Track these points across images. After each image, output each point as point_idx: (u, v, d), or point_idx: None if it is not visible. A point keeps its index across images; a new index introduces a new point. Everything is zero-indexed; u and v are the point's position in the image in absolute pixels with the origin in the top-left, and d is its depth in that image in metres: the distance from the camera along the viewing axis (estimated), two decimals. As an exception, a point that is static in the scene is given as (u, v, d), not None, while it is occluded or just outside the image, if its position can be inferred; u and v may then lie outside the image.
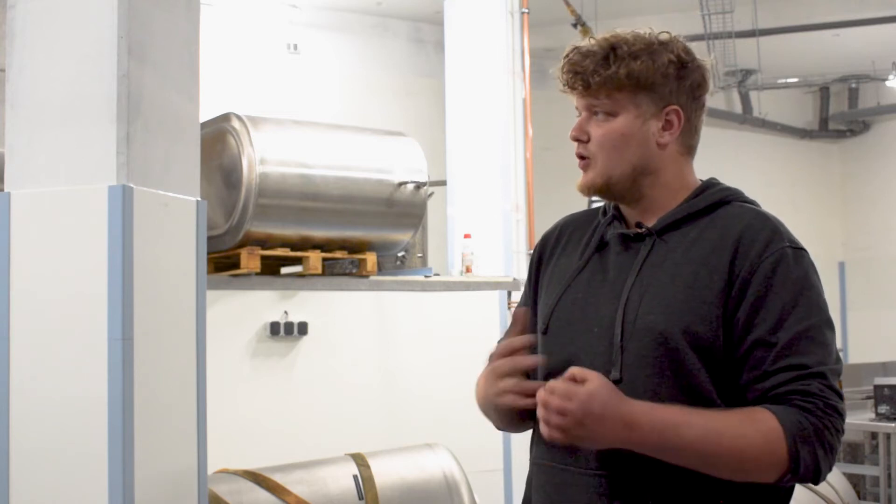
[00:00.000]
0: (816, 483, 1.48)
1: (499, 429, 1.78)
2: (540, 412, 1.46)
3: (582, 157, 1.64)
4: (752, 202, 1.66)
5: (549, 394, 1.44)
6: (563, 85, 1.64)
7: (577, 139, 1.64)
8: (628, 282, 1.57)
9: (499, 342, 1.79)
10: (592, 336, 1.58)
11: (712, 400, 1.50)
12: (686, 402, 1.49)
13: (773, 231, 1.55)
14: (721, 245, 1.54)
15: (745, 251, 1.52)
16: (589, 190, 1.64)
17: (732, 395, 1.51)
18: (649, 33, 1.62)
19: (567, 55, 1.63)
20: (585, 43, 1.62)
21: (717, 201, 1.62)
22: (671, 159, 1.64)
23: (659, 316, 1.52)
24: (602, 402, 1.43)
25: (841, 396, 1.48)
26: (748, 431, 1.44)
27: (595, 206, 1.81)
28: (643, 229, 1.62)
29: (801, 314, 1.49)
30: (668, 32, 1.64)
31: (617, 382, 1.51)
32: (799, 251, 1.54)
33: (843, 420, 1.47)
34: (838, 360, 1.51)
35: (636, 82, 1.58)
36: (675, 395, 1.50)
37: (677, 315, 1.51)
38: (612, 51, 1.58)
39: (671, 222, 1.61)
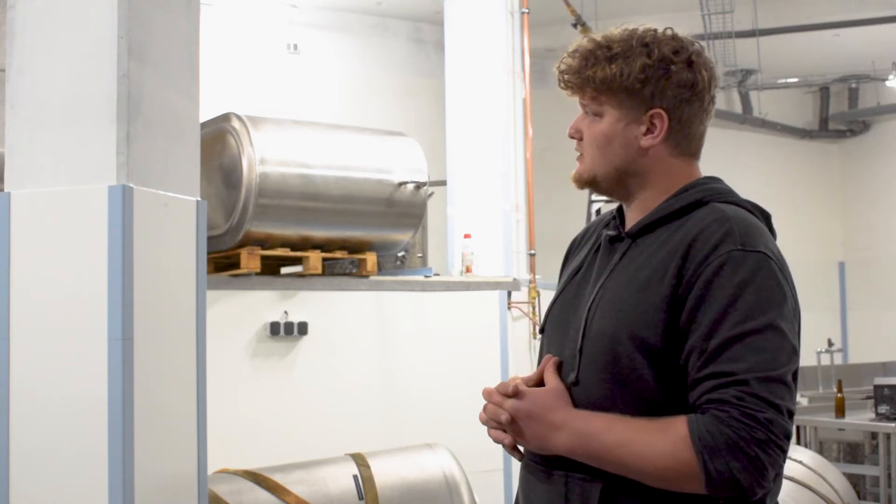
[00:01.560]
0: (748, 499, 1.39)
1: None
2: (481, 415, 1.59)
3: (579, 152, 1.68)
4: (739, 202, 1.60)
5: (489, 394, 1.58)
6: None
7: (571, 137, 1.68)
8: (598, 285, 1.59)
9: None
10: (567, 338, 1.61)
11: (660, 404, 1.47)
12: (634, 406, 1.49)
13: (725, 234, 1.47)
14: (676, 249, 1.50)
15: (695, 255, 1.47)
16: (577, 182, 1.69)
17: (683, 400, 1.46)
18: (638, 32, 1.60)
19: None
20: (582, 41, 1.63)
21: (693, 202, 1.57)
22: (659, 161, 1.61)
23: (610, 320, 1.52)
24: (535, 402, 1.54)
25: (772, 405, 1.37)
26: (658, 440, 1.42)
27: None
28: (618, 231, 1.64)
29: (737, 319, 1.41)
30: (671, 29, 1.61)
31: (575, 385, 1.55)
32: (750, 253, 1.46)
33: (770, 431, 1.36)
34: (785, 365, 1.41)
35: (612, 86, 1.58)
36: (626, 400, 1.50)
37: (626, 319, 1.50)
38: (592, 53, 1.59)
39: (647, 224, 1.60)
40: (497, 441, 1.59)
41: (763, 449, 1.36)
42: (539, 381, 1.60)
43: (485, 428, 1.62)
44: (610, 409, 1.50)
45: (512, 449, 1.59)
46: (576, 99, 1.67)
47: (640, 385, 1.49)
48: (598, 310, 1.55)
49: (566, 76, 1.63)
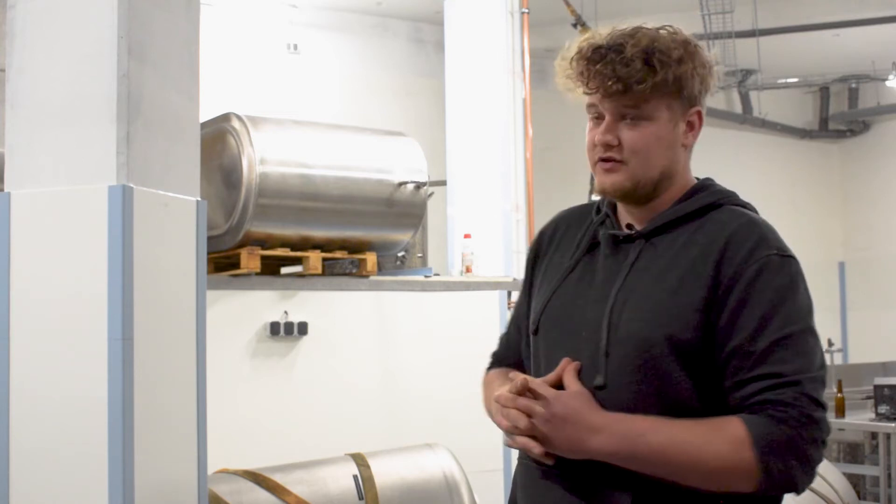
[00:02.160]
0: (798, 494, 1.46)
1: None
2: (501, 422, 1.52)
3: (611, 160, 1.59)
4: (746, 205, 1.63)
5: (511, 400, 1.50)
6: (592, 88, 1.57)
7: (609, 144, 1.58)
8: (615, 286, 1.56)
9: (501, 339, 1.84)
10: (580, 340, 1.57)
11: (693, 408, 1.48)
12: (666, 409, 1.48)
13: (760, 238, 1.52)
14: (708, 251, 1.52)
15: (731, 258, 1.50)
16: (616, 192, 1.60)
17: (715, 403, 1.48)
18: (675, 33, 1.58)
19: (592, 57, 1.55)
20: (598, 40, 1.57)
21: (708, 205, 1.60)
22: (685, 160, 1.63)
23: (642, 322, 1.50)
24: (566, 405, 1.47)
25: (821, 405, 1.44)
26: (714, 440, 1.42)
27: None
28: (633, 231, 1.61)
29: (781, 322, 1.46)
30: (670, 25, 1.60)
31: (601, 388, 1.51)
32: (786, 259, 1.51)
33: (821, 430, 1.43)
34: (822, 367, 1.48)
35: (678, 86, 1.55)
36: (655, 403, 1.48)
37: (661, 321, 1.49)
38: (650, 55, 1.53)
39: (660, 225, 1.59)
40: (524, 448, 1.51)
41: (816, 447, 1.42)
42: (555, 386, 1.53)
43: (485, 427, 1.60)
44: (638, 412, 1.48)
45: (545, 455, 1.50)
46: (578, 101, 1.61)
47: (673, 387, 1.48)
48: (626, 311, 1.52)
49: (626, 83, 1.53)
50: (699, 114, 1.61)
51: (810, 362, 1.45)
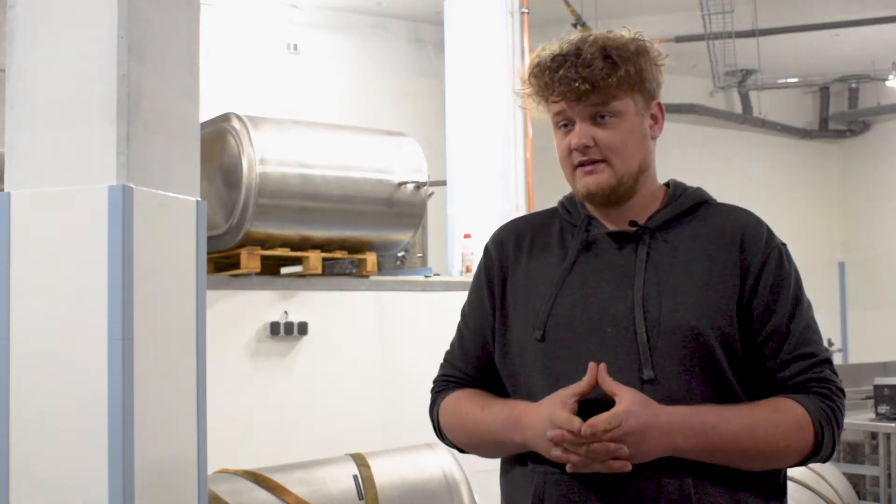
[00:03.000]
0: (826, 461, 1.58)
1: (485, 457, 1.78)
2: (576, 460, 1.46)
3: (592, 162, 1.59)
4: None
5: (593, 432, 1.43)
6: (558, 95, 1.58)
7: (586, 146, 1.58)
8: (637, 280, 1.56)
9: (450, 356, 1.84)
10: (606, 336, 1.54)
11: (736, 393, 1.54)
12: (714, 396, 1.52)
13: (767, 229, 1.62)
14: (724, 242, 1.58)
15: (750, 246, 1.57)
16: (602, 191, 1.60)
17: (748, 385, 1.56)
18: (619, 32, 1.62)
19: (552, 66, 1.57)
20: (551, 51, 1.59)
21: (699, 202, 1.66)
22: (653, 153, 1.67)
23: (687, 313, 1.53)
24: (637, 417, 1.44)
25: (838, 376, 1.58)
26: (780, 422, 1.51)
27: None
28: (637, 227, 1.61)
29: (804, 306, 1.58)
30: (627, 28, 1.64)
31: (651, 381, 1.50)
32: (786, 247, 1.62)
33: (845, 397, 1.58)
34: None
35: (640, 78, 1.59)
36: (704, 391, 1.52)
37: (704, 311, 1.53)
38: (608, 52, 1.56)
39: (664, 221, 1.62)
40: (622, 470, 1.45)
41: (843, 417, 1.56)
42: (588, 392, 1.48)
43: None
44: (688, 402, 1.50)
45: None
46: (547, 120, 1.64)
47: (718, 374, 1.53)
48: (665, 303, 1.53)
49: (592, 82, 1.55)
50: (660, 106, 1.66)
51: (822, 341, 1.61)
